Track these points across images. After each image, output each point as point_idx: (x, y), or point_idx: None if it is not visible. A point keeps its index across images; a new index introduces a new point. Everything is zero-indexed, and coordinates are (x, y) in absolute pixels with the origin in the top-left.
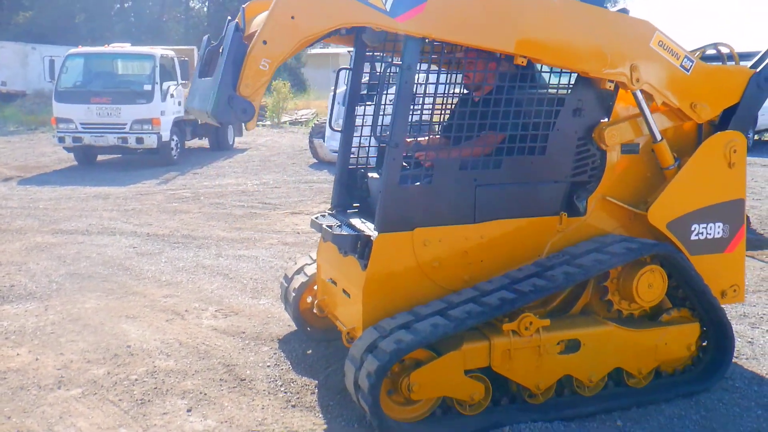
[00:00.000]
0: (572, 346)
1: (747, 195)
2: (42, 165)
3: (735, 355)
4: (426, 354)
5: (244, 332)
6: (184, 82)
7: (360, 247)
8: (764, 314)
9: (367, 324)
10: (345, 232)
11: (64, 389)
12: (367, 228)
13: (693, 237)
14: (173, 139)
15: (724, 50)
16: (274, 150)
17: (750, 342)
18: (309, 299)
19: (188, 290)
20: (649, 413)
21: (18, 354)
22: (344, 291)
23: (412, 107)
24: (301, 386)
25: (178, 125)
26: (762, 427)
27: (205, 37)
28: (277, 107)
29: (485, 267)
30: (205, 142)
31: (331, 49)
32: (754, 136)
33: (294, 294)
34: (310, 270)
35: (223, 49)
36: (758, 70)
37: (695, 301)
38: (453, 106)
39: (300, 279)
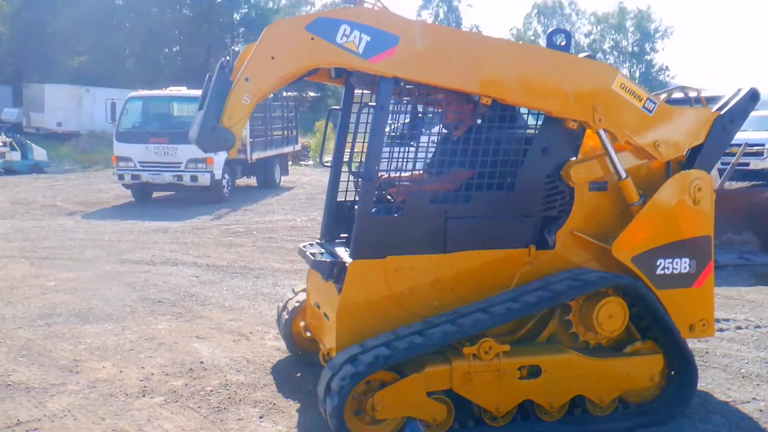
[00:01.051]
0: (533, 372)
1: None
2: (102, 201)
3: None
4: (390, 376)
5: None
6: None
7: (336, 272)
8: None
9: (341, 345)
10: (324, 258)
11: (149, 397)
12: (346, 255)
13: (659, 271)
14: (225, 177)
15: (692, 94)
16: (318, 188)
17: None
18: (301, 323)
19: (250, 315)
20: None
21: (104, 367)
22: (325, 314)
23: (390, 145)
24: None
25: (230, 164)
26: None
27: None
28: (318, 147)
29: (455, 295)
30: (253, 181)
31: None
32: None
33: (287, 317)
34: (303, 296)
35: (211, 84)
36: (722, 112)
37: (657, 332)
38: (430, 143)
39: (293, 303)
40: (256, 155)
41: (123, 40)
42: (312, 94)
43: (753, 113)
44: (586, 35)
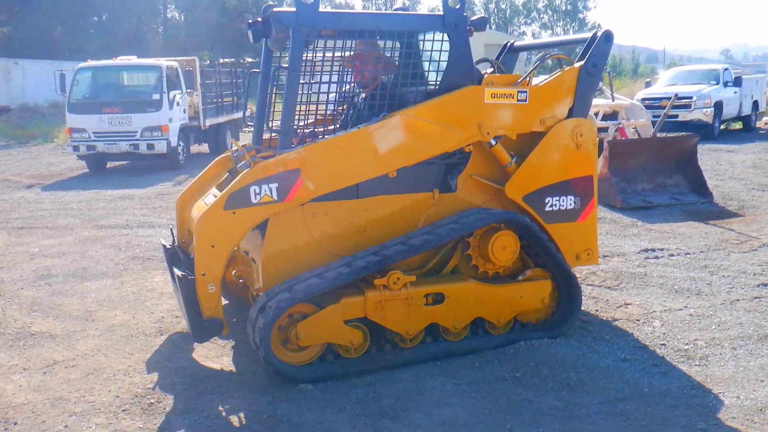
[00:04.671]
0: (438, 299)
1: (713, 176)
2: (56, 173)
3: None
4: (310, 308)
5: None
6: (189, 90)
7: None
8: (722, 265)
9: (267, 286)
10: None
11: (166, 335)
12: None
13: (547, 208)
14: (180, 145)
15: (556, 57)
16: None
17: (709, 284)
18: (234, 272)
19: None
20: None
21: (116, 314)
22: (252, 260)
23: (299, 101)
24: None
25: (184, 131)
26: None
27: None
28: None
29: (369, 236)
30: (205, 148)
31: None
32: (720, 126)
33: None
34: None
35: (178, 290)
36: (585, 61)
37: (546, 260)
38: (342, 99)
39: None
40: (209, 121)
41: (49, 9)
42: (249, 59)
43: (681, 69)
44: None
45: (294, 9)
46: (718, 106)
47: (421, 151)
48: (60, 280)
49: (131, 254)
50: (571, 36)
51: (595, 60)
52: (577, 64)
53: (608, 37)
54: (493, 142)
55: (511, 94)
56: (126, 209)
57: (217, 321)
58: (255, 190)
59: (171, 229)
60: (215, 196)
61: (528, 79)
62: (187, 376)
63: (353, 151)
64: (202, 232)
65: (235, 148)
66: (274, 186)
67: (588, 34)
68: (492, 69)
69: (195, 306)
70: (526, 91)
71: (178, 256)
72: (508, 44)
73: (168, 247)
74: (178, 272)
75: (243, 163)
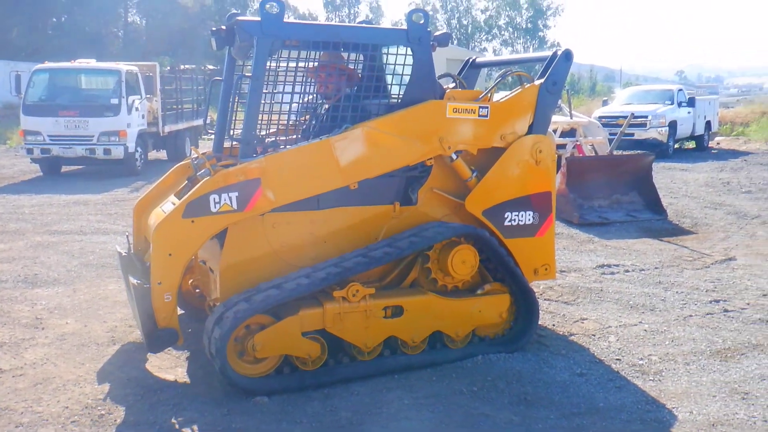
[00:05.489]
0: (396, 312)
1: (667, 194)
2: (7, 176)
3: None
4: (268, 319)
5: None
6: (148, 96)
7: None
8: (675, 281)
9: (225, 297)
10: None
11: (119, 345)
12: None
13: (506, 223)
14: (137, 151)
15: (517, 74)
16: None
17: (663, 300)
18: (190, 281)
19: None
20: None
21: (67, 323)
22: (210, 269)
23: (261, 111)
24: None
25: (142, 137)
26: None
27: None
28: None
29: (329, 247)
30: (163, 154)
31: None
32: (674, 145)
33: None
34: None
35: (132, 298)
36: (545, 79)
37: (505, 274)
38: (306, 109)
39: None
40: (168, 128)
41: (5, 9)
42: (211, 66)
43: (638, 88)
44: (483, 11)
45: (258, 18)
46: (673, 126)
47: (382, 163)
48: (9, 286)
49: (84, 261)
50: (532, 54)
51: (555, 78)
52: (538, 82)
53: (568, 56)
54: (454, 156)
55: (472, 110)
56: (80, 215)
57: (172, 331)
58: (215, 199)
59: (127, 237)
60: (174, 204)
61: (489, 95)
62: (140, 387)
63: (315, 162)
64: (160, 240)
65: (195, 155)
66: (234, 195)
67: (548, 53)
68: (454, 84)
69: (150, 315)
70: (487, 107)
71: (134, 263)
72: (470, 60)
73: (123, 254)
74: (133, 281)
75: (203, 171)
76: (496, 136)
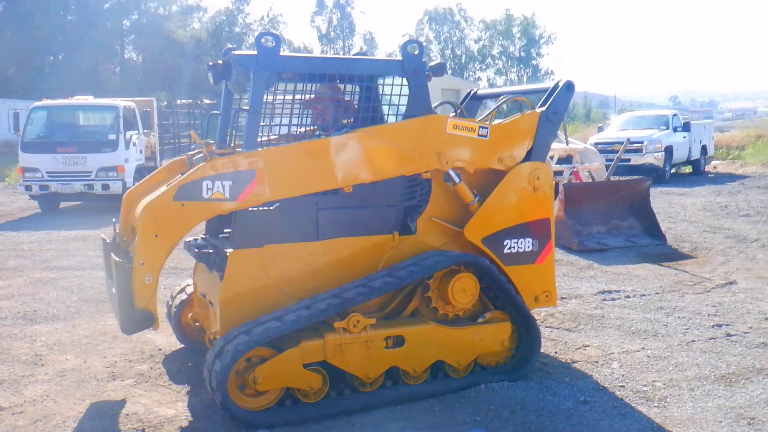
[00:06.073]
0: (398, 342)
1: (665, 219)
2: (6, 213)
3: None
4: (268, 351)
5: None
6: (145, 131)
7: (218, 261)
8: (677, 306)
9: (225, 329)
10: (207, 250)
11: (119, 380)
12: (228, 246)
13: (506, 251)
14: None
15: (518, 100)
16: None
17: (665, 325)
18: (190, 315)
19: None
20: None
21: (67, 359)
22: (210, 302)
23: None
24: None
25: (140, 172)
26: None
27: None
28: None
29: (328, 278)
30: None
31: None
32: (670, 169)
33: (176, 310)
34: (191, 289)
35: (113, 281)
36: (546, 108)
37: (505, 302)
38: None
39: (181, 297)
40: (166, 162)
41: (3, 48)
42: (207, 101)
43: (633, 114)
44: (476, 41)
45: (255, 52)
46: (669, 151)
47: (378, 170)
48: (8, 323)
49: (84, 296)
50: (534, 85)
51: (555, 107)
52: (539, 110)
53: (569, 87)
54: (457, 180)
55: (472, 128)
56: (79, 250)
57: (149, 314)
58: (207, 185)
59: (114, 225)
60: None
61: (489, 118)
62: (140, 422)
63: (312, 160)
64: (148, 219)
65: (194, 150)
66: (227, 183)
67: (550, 84)
68: (454, 113)
69: (128, 294)
70: (487, 127)
71: (118, 251)
72: (472, 92)
73: (108, 241)
74: (115, 258)
75: (199, 156)
76: (494, 157)
